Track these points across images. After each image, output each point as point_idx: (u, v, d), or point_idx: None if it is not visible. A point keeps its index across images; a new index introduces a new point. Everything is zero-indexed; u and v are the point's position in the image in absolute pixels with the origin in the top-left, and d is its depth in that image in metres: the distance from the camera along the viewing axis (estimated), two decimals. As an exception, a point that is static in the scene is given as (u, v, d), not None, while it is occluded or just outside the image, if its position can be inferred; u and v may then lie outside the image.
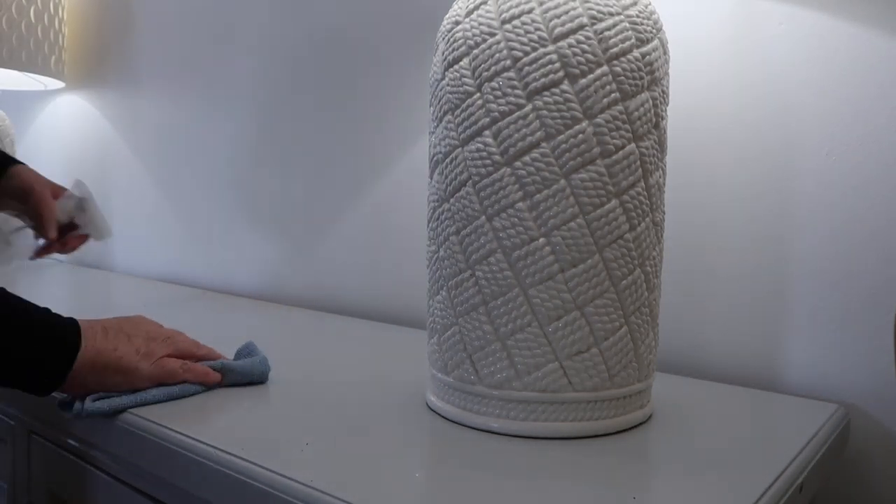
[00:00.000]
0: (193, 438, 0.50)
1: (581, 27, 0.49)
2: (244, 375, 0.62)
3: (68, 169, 1.59)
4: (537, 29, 0.49)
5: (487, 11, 0.51)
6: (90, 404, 0.54)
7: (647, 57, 0.51)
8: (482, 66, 0.51)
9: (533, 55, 0.49)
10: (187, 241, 1.30)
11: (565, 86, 0.49)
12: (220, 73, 1.22)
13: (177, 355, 0.59)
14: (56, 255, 1.65)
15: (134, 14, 1.39)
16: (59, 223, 0.85)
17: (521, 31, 0.50)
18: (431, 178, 0.57)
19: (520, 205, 0.50)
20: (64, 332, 0.53)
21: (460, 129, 0.52)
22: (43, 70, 1.35)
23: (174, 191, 1.32)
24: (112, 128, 1.46)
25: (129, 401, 0.55)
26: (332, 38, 1.03)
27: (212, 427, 0.52)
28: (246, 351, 0.65)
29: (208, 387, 0.60)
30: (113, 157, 1.47)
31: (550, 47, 0.49)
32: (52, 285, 1.22)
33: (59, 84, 1.46)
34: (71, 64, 1.54)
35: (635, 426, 0.54)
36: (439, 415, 0.56)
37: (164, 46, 1.33)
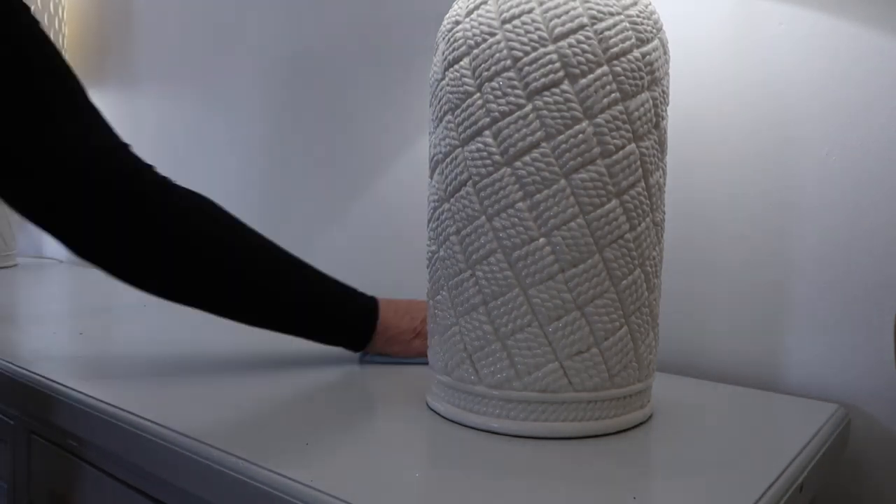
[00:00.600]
0: (193, 438, 0.50)
1: (581, 27, 0.49)
2: None
3: (68, 169, 1.59)
4: (537, 29, 0.49)
5: (487, 11, 0.51)
6: (373, 357, 0.72)
7: (648, 57, 0.51)
8: (482, 65, 0.51)
9: (533, 55, 0.49)
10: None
11: (565, 86, 0.49)
12: (220, 73, 1.22)
13: None
14: (53, 255, 1.65)
15: (134, 14, 1.39)
16: None
17: (522, 31, 0.50)
18: (431, 178, 0.57)
19: (520, 205, 0.50)
20: (367, 307, 0.70)
21: (460, 129, 0.52)
22: (43, 70, 1.35)
23: (174, 191, 1.32)
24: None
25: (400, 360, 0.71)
26: (332, 38, 1.03)
27: (212, 427, 0.52)
28: None
29: None
30: (113, 156, 1.47)
31: (550, 47, 0.49)
32: (51, 285, 1.22)
33: (59, 84, 1.46)
34: (71, 64, 1.54)
35: (635, 426, 0.54)
36: (439, 415, 0.56)
37: (163, 46, 1.33)
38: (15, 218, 1.45)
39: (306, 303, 0.68)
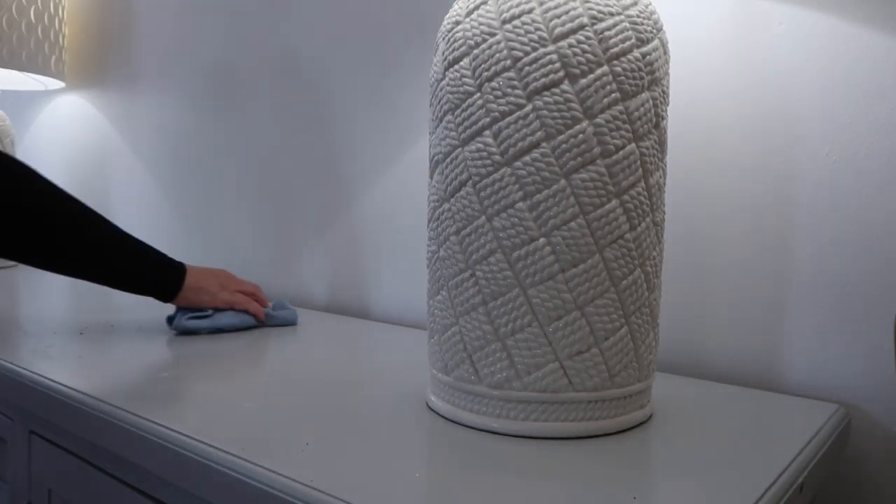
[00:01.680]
0: (193, 438, 0.50)
1: (581, 27, 0.49)
2: (281, 320, 0.89)
3: (68, 169, 1.59)
4: (537, 29, 0.49)
5: (488, 11, 0.51)
6: (183, 322, 0.83)
7: (648, 57, 0.51)
8: (482, 66, 0.51)
9: (533, 55, 0.49)
10: (187, 239, 1.30)
11: (565, 86, 0.49)
12: (219, 74, 1.22)
13: (243, 293, 0.88)
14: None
15: (134, 14, 1.39)
16: None
17: (522, 31, 0.50)
18: (431, 178, 0.57)
19: (520, 205, 0.50)
20: (175, 266, 0.84)
21: (460, 129, 0.52)
22: (43, 70, 1.35)
23: (174, 190, 1.32)
24: (112, 127, 1.46)
25: (206, 325, 0.83)
26: (333, 38, 1.03)
27: (212, 427, 0.52)
28: (280, 305, 0.92)
29: (257, 323, 0.88)
30: (113, 156, 1.47)
31: (551, 47, 0.49)
32: (52, 284, 1.22)
33: (59, 84, 1.46)
34: (71, 64, 1.54)
35: (635, 426, 0.54)
36: (439, 415, 0.56)
37: (164, 46, 1.33)
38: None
39: (123, 254, 0.80)
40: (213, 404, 0.58)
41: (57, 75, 1.39)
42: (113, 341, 0.80)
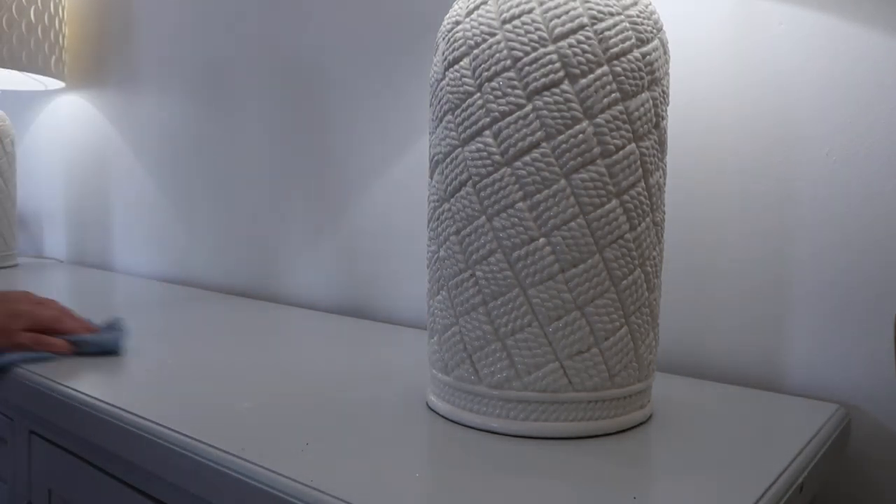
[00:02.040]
0: (193, 438, 0.50)
1: (581, 27, 0.49)
2: (98, 346, 0.72)
3: (68, 168, 1.59)
4: (537, 29, 0.49)
5: (488, 11, 0.51)
6: None
7: (648, 57, 0.51)
8: (482, 65, 0.51)
9: (533, 55, 0.49)
10: (187, 240, 1.30)
11: (565, 86, 0.49)
12: (220, 75, 1.22)
13: (36, 329, 0.71)
14: (53, 255, 1.65)
15: (134, 14, 1.39)
16: None
17: (522, 31, 0.50)
18: (431, 178, 0.57)
19: (520, 205, 0.50)
20: None
21: (460, 129, 0.52)
22: (43, 70, 1.35)
23: (173, 189, 1.32)
24: (112, 127, 1.46)
25: None
26: (332, 39, 1.03)
27: (212, 427, 0.52)
28: (109, 325, 0.76)
29: (60, 354, 0.70)
30: (113, 156, 1.47)
31: (551, 47, 0.49)
32: (52, 285, 1.22)
33: (59, 84, 1.46)
34: (71, 64, 1.54)
35: (635, 426, 0.54)
36: (439, 415, 0.56)
37: (164, 46, 1.33)
38: (16, 218, 1.45)
39: None
40: (213, 404, 0.58)
41: (57, 75, 1.39)
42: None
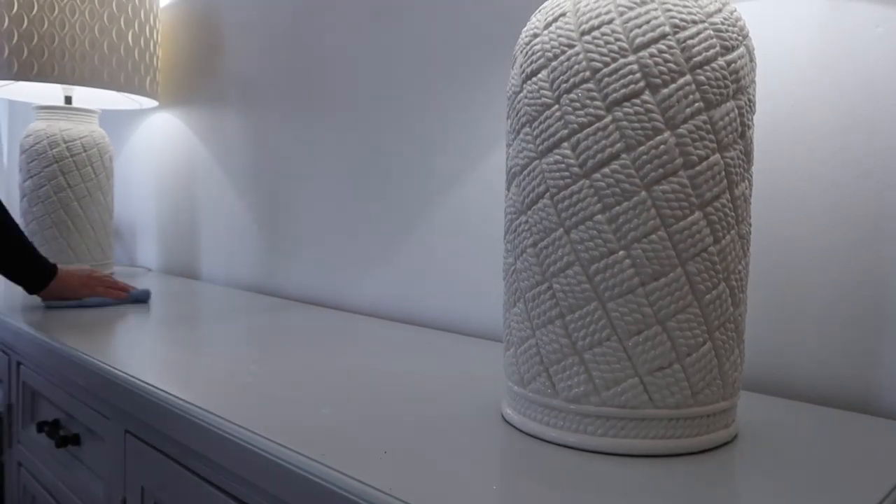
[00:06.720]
0: (283, 446, 0.51)
1: (663, 36, 0.48)
2: (137, 297, 1.16)
3: (160, 179, 1.68)
4: (617, 39, 0.49)
5: (566, 23, 0.51)
6: (51, 302, 1.11)
7: (733, 65, 0.50)
8: (560, 77, 0.51)
9: (613, 66, 0.49)
10: (270, 251, 1.35)
11: (646, 96, 0.48)
12: (302, 93, 1.26)
13: (104, 285, 1.15)
14: (144, 263, 1.74)
15: (222, 37, 1.46)
16: None
17: (601, 42, 0.49)
18: (508, 190, 0.57)
19: (598, 217, 0.49)
20: (47, 265, 1.09)
21: (538, 141, 0.52)
22: (139, 90, 1.43)
23: (256, 203, 1.37)
24: (200, 143, 1.54)
25: (72, 304, 1.11)
26: (412, 57, 1.05)
27: (297, 435, 0.54)
28: (142, 290, 1.19)
29: (121, 301, 1.15)
30: (200, 170, 1.54)
31: (631, 57, 0.48)
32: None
33: (153, 103, 1.55)
34: (164, 84, 1.63)
35: (719, 446, 0.52)
36: (515, 427, 0.56)
37: (248, 67, 1.39)
38: (112, 229, 1.54)
39: (2, 245, 1.01)
40: (294, 409, 0.60)
41: (151, 95, 1.47)
42: (202, 345, 0.84)
